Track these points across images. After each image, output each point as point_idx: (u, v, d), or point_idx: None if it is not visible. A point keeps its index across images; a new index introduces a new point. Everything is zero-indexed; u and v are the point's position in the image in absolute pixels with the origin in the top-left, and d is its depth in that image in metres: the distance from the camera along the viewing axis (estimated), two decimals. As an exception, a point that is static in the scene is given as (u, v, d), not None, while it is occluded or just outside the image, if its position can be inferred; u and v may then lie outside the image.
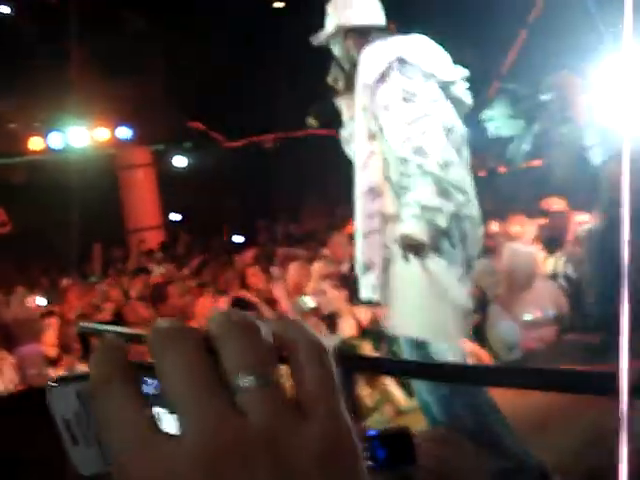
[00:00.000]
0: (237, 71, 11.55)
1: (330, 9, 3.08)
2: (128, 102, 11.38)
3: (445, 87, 2.94)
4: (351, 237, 7.47)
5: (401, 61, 2.86)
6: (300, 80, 11.66)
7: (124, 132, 12.06)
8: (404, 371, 3.07)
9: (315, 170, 11.90)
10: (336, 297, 4.98)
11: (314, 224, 10.51)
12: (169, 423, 0.43)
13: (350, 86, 3.01)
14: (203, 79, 11.62)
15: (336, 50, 3.10)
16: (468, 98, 3.06)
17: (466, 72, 3.02)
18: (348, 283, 5.56)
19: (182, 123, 12.14)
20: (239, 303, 5.11)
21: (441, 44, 3.01)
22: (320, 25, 3.15)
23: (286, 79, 11.79)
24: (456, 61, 3.02)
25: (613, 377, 1.77)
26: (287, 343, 0.46)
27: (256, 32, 11.50)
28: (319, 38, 3.13)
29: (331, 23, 3.06)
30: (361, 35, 3.00)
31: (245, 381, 0.43)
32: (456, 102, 2.99)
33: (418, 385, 3.06)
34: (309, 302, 4.81)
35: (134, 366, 0.45)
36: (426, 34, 3.03)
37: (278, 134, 12.69)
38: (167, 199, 12.77)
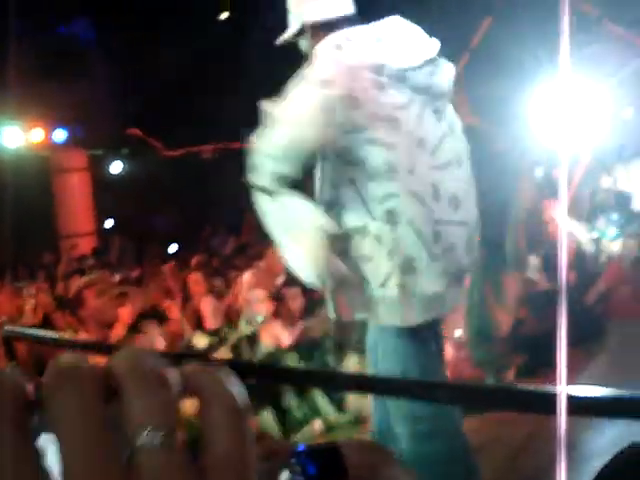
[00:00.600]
0: (180, 81, 11.48)
1: (292, 5, 2.84)
2: (67, 105, 11.18)
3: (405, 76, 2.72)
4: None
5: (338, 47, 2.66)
6: (244, 92, 11.65)
7: (60, 135, 11.83)
8: (330, 383, 3.11)
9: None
10: (264, 309, 4.98)
11: (252, 236, 10.46)
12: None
13: None
14: (145, 87, 11.51)
15: (304, 47, 2.87)
16: (438, 84, 2.82)
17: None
18: (279, 296, 5.57)
19: (121, 129, 11.98)
20: (152, 315, 5.07)
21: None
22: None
23: (229, 90, 11.74)
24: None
25: (551, 396, 1.80)
26: (202, 397, 0.42)
27: (202, 43, 11.45)
28: (283, 38, 2.92)
29: (294, 21, 2.84)
30: (330, 29, 2.73)
31: (144, 439, 0.39)
32: (421, 91, 2.75)
33: (391, 414, 2.91)
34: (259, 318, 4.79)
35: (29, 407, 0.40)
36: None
37: (218, 145, 12.62)
38: (102, 205, 12.57)
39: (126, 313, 5.59)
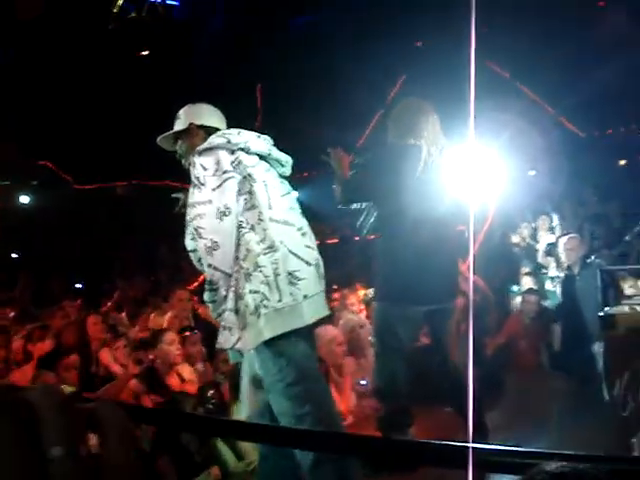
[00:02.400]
0: (95, 114, 11.37)
1: (182, 113, 3.72)
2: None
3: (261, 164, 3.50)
4: (194, 292, 7.48)
5: (201, 152, 3.41)
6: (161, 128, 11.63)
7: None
8: (226, 431, 3.13)
9: (168, 221, 11.77)
10: (169, 351, 4.95)
11: (162, 276, 10.35)
12: None
13: None
14: (58, 119, 11.34)
15: (182, 147, 3.67)
16: (287, 169, 3.66)
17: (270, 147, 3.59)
18: (182, 337, 5.56)
19: (31, 161, 11.74)
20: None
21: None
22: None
23: (147, 126, 11.68)
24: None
25: (461, 451, 1.87)
26: (101, 422, 0.55)
27: (119, 77, 11.41)
28: (167, 133, 3.71)
29: (182, 122, 3.68)
30: (207, 134, 3.56)
31: (55, 452, 0.52)
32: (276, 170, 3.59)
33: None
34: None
35: None
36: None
37: (133, 181, 12.52)
38: (8, 237, 12.19)
39: (39, 351, 5.44)
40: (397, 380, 4.32)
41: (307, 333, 3.42)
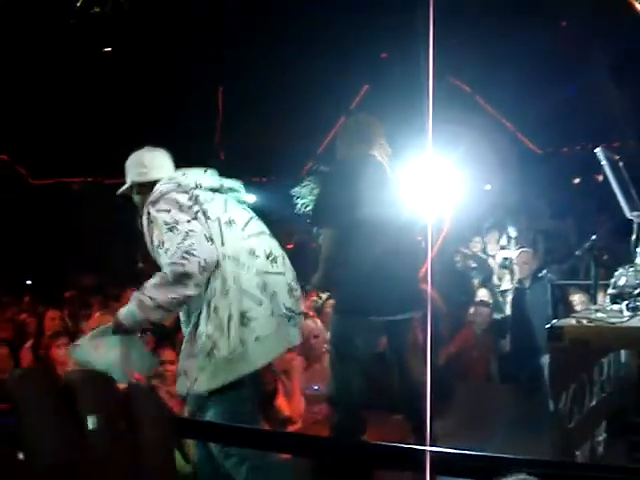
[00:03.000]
0: (54, 109, 11.23)
1: (126, 166, 3.72)
2: None
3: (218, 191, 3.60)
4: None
5: (154, 202, 3.44)
6: (118, 125, 11.52)
7: None
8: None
9: (121, 219, 11.68)
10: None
11: (113, 275, 10.24)
12: None
13: None
14: (14, 111, 11.16)
15: (136, 200, 3.68)
16: (241, 193, 3.77)
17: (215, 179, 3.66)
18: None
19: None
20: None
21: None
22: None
23: (104, 123, 11.58)
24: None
25: (417, 455, 1.90)
26: (135, 403, 0.61)
27: (81, 71, 11.29)
28: (120, 191, 3.74)
29: (127, 180, 3.69)
30: (151, 187, 3.55)
31: (92, 423, 0.56)
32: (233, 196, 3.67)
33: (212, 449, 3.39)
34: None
35: None
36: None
37: (87, 178, 12.38)
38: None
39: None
40: (352, 388, 4.33)
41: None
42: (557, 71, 11.31)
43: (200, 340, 3.35)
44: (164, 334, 5.28)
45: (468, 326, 7.39)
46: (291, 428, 5.10)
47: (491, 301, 7.88)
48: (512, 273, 7.84)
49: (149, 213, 3.45)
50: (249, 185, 4.10)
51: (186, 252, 3.27)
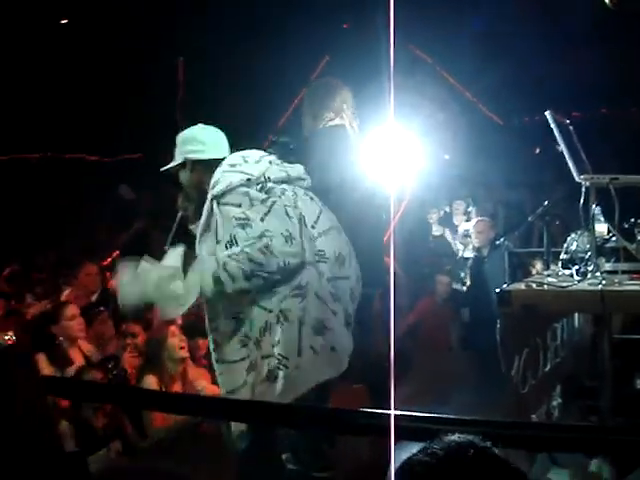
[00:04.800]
0: (12, 83, 11.00)
1: (178, 142, 3.43)
2: None
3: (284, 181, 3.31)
4: (103, 268, 7.34)
5: (221, 195, 3.16)
6: (73, 100, 11.34)
7: None
8: (133, 402, 3.11)
9: (81, 194, 11.54)
10: (71, 326, 4.86)
11: (72, 250, 10.11)
12: None
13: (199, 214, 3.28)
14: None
15: (184, 178, 3.40)
16: (308, 181, 3.45)
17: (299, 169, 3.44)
18: (89, 314, 5.48)
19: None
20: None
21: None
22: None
23: (62, 96, 11.37)
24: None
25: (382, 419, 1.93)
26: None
27: (35, 42, 11.06)
28: (166, 167, 3.43)
29: (179, 155, 3.40)
30: (207, 166, 3.31)
31: None
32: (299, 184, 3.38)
33: None
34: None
35: None
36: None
37: (46, 154, 12.17)
38: None
39: None
40: None
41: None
42: (519, 40, 11.32)
43: (261, 367, 3.08)
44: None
45: (428, 296, 7.44)
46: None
47: (452, 271, 7.93)
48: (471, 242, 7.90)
49: (214, 206, 3.17)
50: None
51: (265, 247, 3.04)
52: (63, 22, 12.32)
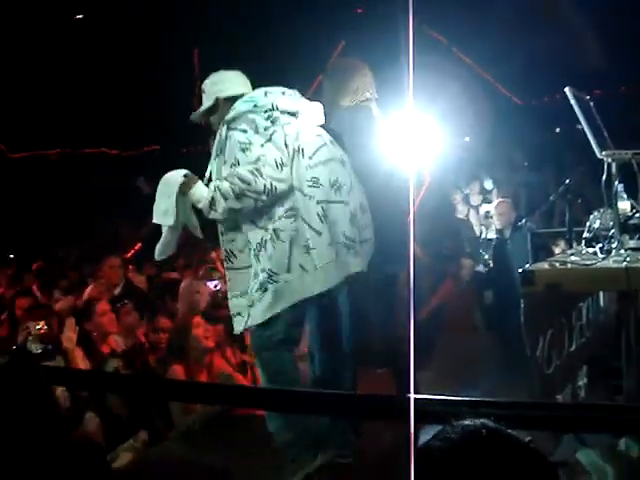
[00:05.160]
0: (26, 81, 11.06)
1: (206, 86, 3.74)
2: None
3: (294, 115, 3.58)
4: (126, 261, 7.38)
5: (231, 121, 3.48)
6: (94, 95, 11.38)
7: None
8: (158, 392, 3.15)
9: (103, 188, 11.60)
10: (102, 322, 4.90)
11: (95, 244, 10.18)
12: None
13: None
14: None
15: (215, 120, 3.68)
16: (316, 118, 3.70)
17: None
18: (114, 307, 5.51)
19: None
20: None
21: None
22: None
23: (78, 93, 11.42)
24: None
25: (401, 403, 1.92)
26: None
27: (51, 40, 11.11)
28: (197, 114, 3.76)
29: (208, 97, 3.70)
30: (234, 102, 3.60)
31: None
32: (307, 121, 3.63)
33: None
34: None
35: None
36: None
37: (66, 149, 12.25)
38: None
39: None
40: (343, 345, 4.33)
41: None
42: (537, 20, 11.19)
43: (258, 278, 3.43)
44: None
45: (451, 278, 7.39)
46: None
47: (474, 253, 7.88)
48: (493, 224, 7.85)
49: (225, 131, 3.50)
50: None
51: (255, 169, 3.36)
52: (79, 17, 12.36)
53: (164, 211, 3.59)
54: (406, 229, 4.52)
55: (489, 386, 4.67)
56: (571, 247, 4.18)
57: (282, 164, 3.44)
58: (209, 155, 3.72)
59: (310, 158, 3.54)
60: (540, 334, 3.32)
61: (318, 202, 3.49)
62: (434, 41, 12.36)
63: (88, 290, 6.10)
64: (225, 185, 3.42)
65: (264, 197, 3.40)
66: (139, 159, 12.97)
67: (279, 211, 3.46)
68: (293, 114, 3.58)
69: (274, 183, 3.40)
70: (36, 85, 11.25)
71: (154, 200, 3.65)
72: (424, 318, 6.25)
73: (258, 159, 3.40)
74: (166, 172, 3.72)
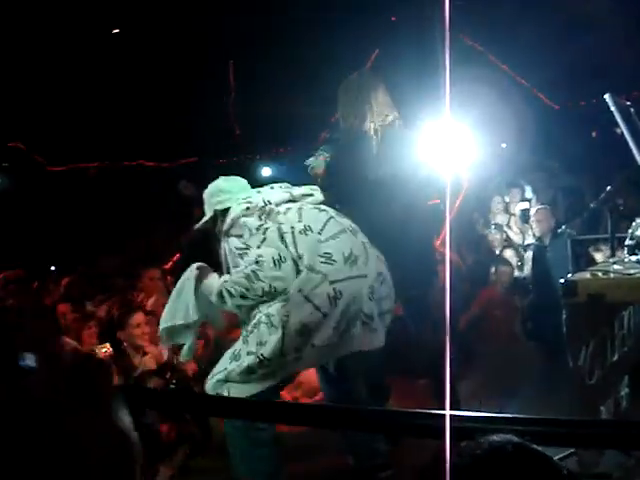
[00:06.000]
0: (65, 95, 11.23)
1: (205, 198, 3.84)
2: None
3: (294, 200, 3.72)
4: (165, 272, 7.42)
5: (228, 230, 3.62)
6: (130, 108, 11.51)
7: None
8: (198, 407, 3.15)
9: (140, 202, 11.71)
10: (135, 333, 4.92)
11: (135, 257, 10.27)
12: None
13: None
14: (30, 99, 11.17)
15: (218, 229, 3.77)
16: (317, 196, 3.82)
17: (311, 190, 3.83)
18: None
19: (1, 142, 11.57)
20: None
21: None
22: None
23: (118, 107, 11.56)
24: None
25: (438, 420, 1.90)
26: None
27: (89, 55, 11.26)
28: (200, 224, 3.88)
29: (209, 209, 3.80)
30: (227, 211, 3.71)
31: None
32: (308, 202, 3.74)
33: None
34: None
35: None
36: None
37: (103, 163, 12.40)
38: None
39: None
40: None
41: None
42: (572, 24, 11.07)
43: (247, 358, 3.46)
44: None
45: (490, 286, 7.31)
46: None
47: (512, 260, 7.78)
48: (531, 230, 7.75)
49: (224, 240, 3.65)
50: (265, 157, 4.11)
51: (252, 272, 3.45)
52: (115, 32, 12.52)
53: (184, 308, 3.71)
54: (443, 238, 4.52)
55: (530, 397, 4.62)
56: (614, 255, 4.11)
57: (280, 260, 3.48)
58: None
59: (319, 233, 3.55)
60: (583, 344, 3.26)
61: (331, 283, 3.44)
62: (470, 48, 12.28)
63: (137, 302, 6.13)
64: (228, 286, 3.53)
65: (265, 297, 3.49)
66: (176, 171, 13.08)
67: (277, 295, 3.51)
68: (289, 200, 3.68)
69: (273, 283, 3.46)
70: (75, 99, 11.40)
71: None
72: (464, 327, 6.20)
73: (256, 261, 3.47)
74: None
